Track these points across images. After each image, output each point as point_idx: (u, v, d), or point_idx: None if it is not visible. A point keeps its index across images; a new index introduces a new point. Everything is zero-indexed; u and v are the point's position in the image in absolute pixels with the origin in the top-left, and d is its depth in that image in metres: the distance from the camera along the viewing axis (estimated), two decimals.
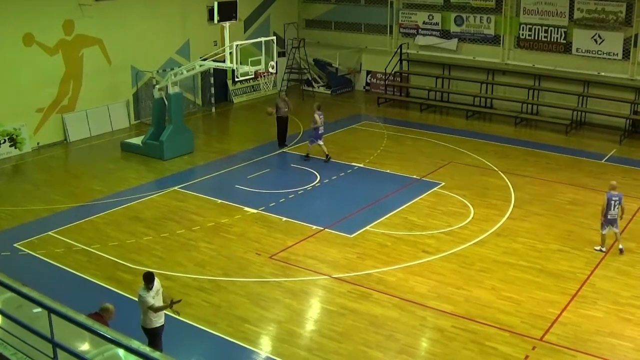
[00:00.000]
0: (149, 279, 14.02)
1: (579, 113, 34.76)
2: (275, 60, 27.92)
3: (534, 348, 15.72)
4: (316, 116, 27.55)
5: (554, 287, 18.53)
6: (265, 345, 16.01)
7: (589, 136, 33.36)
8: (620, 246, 20.56)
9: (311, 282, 18.68)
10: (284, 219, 22.63)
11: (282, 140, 29.96)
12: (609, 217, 20.35)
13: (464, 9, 37.58)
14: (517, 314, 17.13)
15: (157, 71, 34.13)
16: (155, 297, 14.06)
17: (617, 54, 33.86)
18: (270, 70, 27.52)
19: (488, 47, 37.23)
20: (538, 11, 35.22)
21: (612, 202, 20.29)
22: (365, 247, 20.74)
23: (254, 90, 39.70)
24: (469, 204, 23.97)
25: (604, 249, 20.55)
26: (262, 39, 27.96)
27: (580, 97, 34.76)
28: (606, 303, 17.82)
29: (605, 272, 19.48)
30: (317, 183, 25.79)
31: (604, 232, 20.51)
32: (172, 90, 28.43)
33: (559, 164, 28.60)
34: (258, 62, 27.11)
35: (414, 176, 26.62)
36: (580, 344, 15.94)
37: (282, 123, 29.81)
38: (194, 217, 22.88)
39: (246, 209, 23.40)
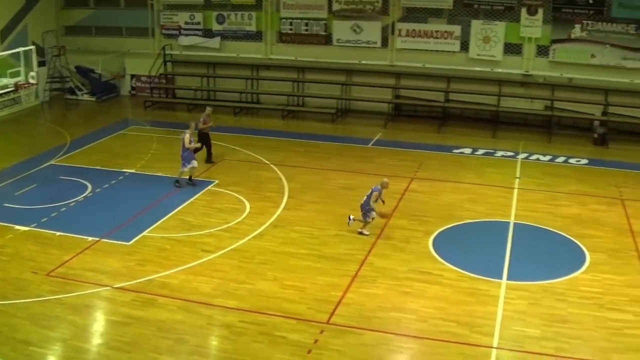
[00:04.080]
0: None
1: (344, 101, 35.85)
2: (35, 70, 26.63)
3: (322, 332, 15.96)
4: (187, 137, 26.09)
5: (335, 270, 18.93)
6: None
7: (355, 122, 34.49)
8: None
9: (93, 295, 17.93)
10: (58, 233, 21.58)
11: (210, 155, 28.25)
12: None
13: (224, 7, 37.63)
14: (302, 301, 17.32)
15: None
16: None
17: (376, 42, 35.26)
18: (31, 80, 26.21)
19: (251, 44, 37.53)
20: (298, 5, 35.91)
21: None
22: (144, 253, 20.21)
23: (15, 103, 37.65)
24: (244, 199, 23.99)
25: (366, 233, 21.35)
26: (20, 49, 26.60)
27: (344, 86, 35.87)
28: (386, 280, 18.45)
29: (382, 251, 20.19)
30: (88, 193, 24.84)
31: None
32: None
33: (329, 152, 29.33)
34: (17, 74, 25.77)
35: (186, 177, 26.26)
36: (366, 321, 16.41)
37: (207, 138, 28.07)
38: None
39: (17, 227, 22.06)
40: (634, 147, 31.78)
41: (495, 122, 34.06)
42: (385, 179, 21.50)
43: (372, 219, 21.19)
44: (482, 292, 18.09)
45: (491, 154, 29.92)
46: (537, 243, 21.27)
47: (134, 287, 18.19)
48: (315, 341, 15.60)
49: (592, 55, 32.95)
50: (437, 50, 34.74)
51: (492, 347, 15.71)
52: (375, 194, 20.91)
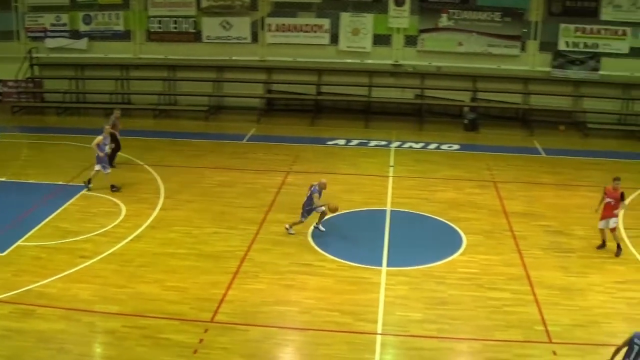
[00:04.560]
0: None
1: (216, 98, 35.59)
2: None
3: (206, 331, 15.76)
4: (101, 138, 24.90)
5: (216, 268, 18.74)
6: None
7: (228, 119, 34.33)
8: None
9: None
10: None
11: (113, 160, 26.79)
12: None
13: (91, 8, 36.60)
14: (184, 302, 17.05)
15: None
16: None
17: (246, 38, 35.09)
18: None
19: (120, 43, 36.66)
20: (166, 3, 35.36)
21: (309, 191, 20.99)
22: (19, 263, 19.40)
23: None
24: (119, 202, 23.43)
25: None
26: None
27: (215, 83, 35.57)
28: (267, 274, 18.40)
29: (262, 246, 20.13)
30: None
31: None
32: None
33: (203, 150, 29.04)
34: None
35: (60, 182, 25.44)
36: (250, 317, 16.32)
37: (117, 141, 26.60)
38: None
39: None
40: (503, 130, 32.87)
41: (367, 113, 34.50)
42: (323, 180, 21.20)
43: (315, 215, 21.05)
44: (364, 280, 18.27)
45: (365, 144, 30.30)
46: (414, 229, 21.66)
47: (11, 299, 17.45)
48: (201, 340, 15.39)
49: (460, 44, 33.81)
50: (307, 44, 34.88)
51: (377, 334, 15.87)
52: (315, 195, 20.68)
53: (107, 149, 24.52)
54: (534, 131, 32.75)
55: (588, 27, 33.56)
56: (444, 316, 16.67)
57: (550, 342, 15.89)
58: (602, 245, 20.58)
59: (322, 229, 21.21)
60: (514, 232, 21.68)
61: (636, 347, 12.51)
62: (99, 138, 24.33)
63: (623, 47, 33.71)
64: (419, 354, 15.24)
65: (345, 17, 34.37)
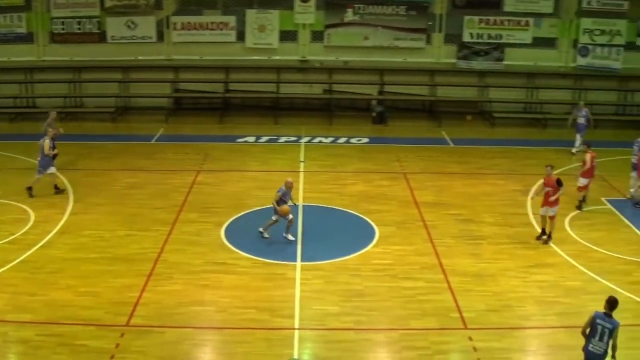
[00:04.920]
0: None
1: (123, 99, 35.07)
2: None
3: (122, 335, 15.54)
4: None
5: (129, 271, 18.49)
6: None
7: (136, 120, 33.83)
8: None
9: None
10: None
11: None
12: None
13: None
14: (99, 307, 16.77)
15: None
16: None
17: (152, 37, 34.62)
18: None
19: (22, 46, 35.56)
20: (69, 4, 34.54)
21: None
22: None
23: None
24: (27, 209, 22.82)
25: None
26: None
27: (122, 84, 35.04)
28: (182, 275, 18.28)
29: (175, 246, 19.98)
30: None
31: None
32: None
33: (112, 152, 28.57)
34: None
35: None
36: (166, 319, 16.18)
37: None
38: None
39: None
40: (411, 122, 33.37)
41: (276, 109, 34.53)
42: (289, 179, 20.82)
43: (284, 219, 20.46)
44: (279, 277, 18.34)
45: (275, 140, 30.33)
46: (327, 223, 21.82)
47: None
48: (117, 345, 15.17)
49: (366, 38, 34.11)
50: (213, 42, 34.66)
51: (294, 329, 15.95)
52: (278, 194, 20.26)
53: (50, 151, 23.92)
54: (441, 122, 33.30)
55: (492, 18, 34.33)
56: (360, 308, 16.85)
57: (466, 328, 16.24)
58: (543, 234, 21.02)
59: (291, 237, 20.57)
60: (425, 222, 22.04)
61: (599, 327, 13.04)
62: (47, 142, 23.77)
63: (526, 37, 34.65)
64: (337, 347, 15.37)
65: (251, 14, 34.30)
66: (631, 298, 17.74)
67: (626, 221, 22.76)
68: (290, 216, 20.39)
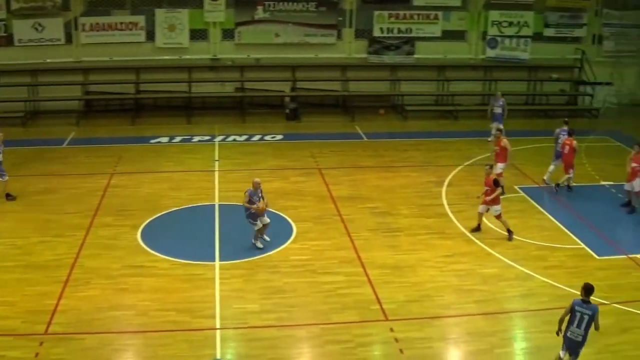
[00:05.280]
0: None
1: (32, 103, 34.31)
2: None
3: (41, 344, 15.24)
4: None
5: (45, 278, 18.12)
6: None
7: (46, 124, 33.07)
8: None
9: None
10: None
11: None
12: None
13: None
14: (15, 316, 16.40)
15: None
16: None
17: (60, 39, 33.91)
18: None
19: None
20: None
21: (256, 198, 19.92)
22: None
23: None
24: None
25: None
26: None
27: (31, 87, 34.27)
28: (100, 280, 18.03)
29: (91, 251, 19.67)
30: None
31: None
32: None
33: (22, 157, 27.74)
34: None
35: None
36: (85, 325, 15.94)
37: None
38: None
39: None
40: (324, 118, 33.57)
41: (189, 109, 34.29)
42: (256, 179, 20.06)
43: (257, 225, 19.95)
44: (198, 277, 18.27)
45: (188, 140, 30.16)
46: (244, 221, 21.66)
47: None
48: (36, 354, 14.88)
49: (277, 35, 34.16)
50: (123, 42, 34.18)
51: (216, 329, 15.93)
52: (246, 195, 19.65)
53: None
54: (354, 117, 33.57)
55: (401, 12, 34.79)
56: (280, 305, 16.93)
57: (387, 319, 16.48)
58: (477, 229, 21.41)
59: (260, 245, 20.07)
60: (342, 216, 22.23)
61: (578, 314, 13.35)
62: None
63: (435, 30, 35.29)
64: (259, 345, 15.41)
65: (161, 14, 33.95)
66: (547, 282, 18.36)
67: (539, 208, 23.41)
68: (267, 218, 19.96)
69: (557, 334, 13.74)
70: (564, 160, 24.58)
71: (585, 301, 13.44)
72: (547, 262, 19.63)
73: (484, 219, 21.52)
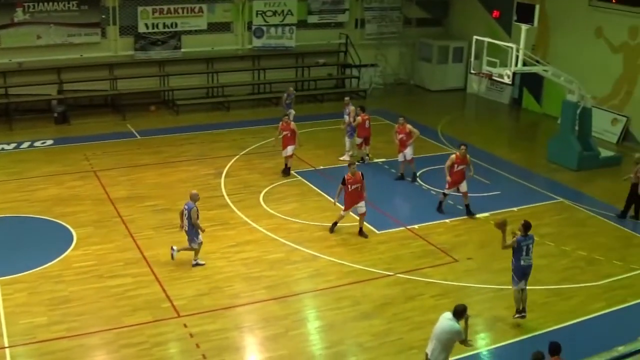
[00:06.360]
0: None
1: None
2: None
3: None
4: None
5: None
6: None
7: None
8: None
9: None
10: None
11: None
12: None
13: None
14: None
15: None
16: None
17: None
18: None
19: None
20: None
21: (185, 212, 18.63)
22: None
23: None
24: None
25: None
26: None
27: None
28: None
29: None
30: None
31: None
32: None
33: None
34: None
35: None
36: None
37: None
38: None
39: None
40: (95, 119, 32.75)
41: None
42: (193, 191, 18.96)
43: (199, 244, 18.78)
44: None
45: None
46: (19, 233, 20.95)
47: None
48: None
49: (39, 37, 32.84)
50: None
51: (5, 347, 15.28)
52: (194, 210, 18.32)
53: None
54: (125, 115, 32.98)
55: (165, 7, 34.52)
56: (69, 314, 16.54)
57: (179, 316, 16.58)
58: (334, 225, 21.35)
59: (202, 262, 19.07)
60: (122, 217, 21.96)
61: (524, 247, 16.04)
62: None
63: (201, 23, 35.37)
64: (52, 358, 15.01)
65: None
66: (333, 261, 19.15)
67: (317, 190, 24.21)
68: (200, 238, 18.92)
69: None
70: (364, 135, 26.49)
71: (526, 235, 15.97)
72: (330, 242, 20.43)
73: (264, 205, 21.93)
